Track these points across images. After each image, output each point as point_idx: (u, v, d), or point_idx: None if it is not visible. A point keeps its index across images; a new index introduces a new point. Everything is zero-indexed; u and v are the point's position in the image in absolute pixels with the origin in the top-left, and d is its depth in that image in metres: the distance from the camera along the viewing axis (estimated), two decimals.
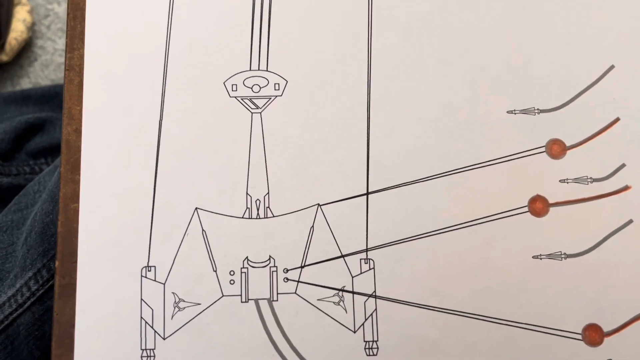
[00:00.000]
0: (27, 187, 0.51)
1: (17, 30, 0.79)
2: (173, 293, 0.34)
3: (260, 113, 0.36)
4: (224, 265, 0.34)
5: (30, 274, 0.44)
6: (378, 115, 0.36)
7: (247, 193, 0.35)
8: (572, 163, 0.36)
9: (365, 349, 0.34)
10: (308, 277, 0.34)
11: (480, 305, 0.34)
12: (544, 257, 0.35)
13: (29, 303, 0.44)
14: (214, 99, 0.36)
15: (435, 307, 0.34)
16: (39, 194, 0.49)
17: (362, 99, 0.36)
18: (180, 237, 0.34)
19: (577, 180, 0.35)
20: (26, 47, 0.83)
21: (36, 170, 0.59)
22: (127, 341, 0.33)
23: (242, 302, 0.34)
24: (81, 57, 0.36)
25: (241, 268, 0.34)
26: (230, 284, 0.34)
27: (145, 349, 0.33)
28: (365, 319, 0.34)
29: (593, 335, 0.34)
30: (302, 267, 0.34)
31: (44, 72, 0.83)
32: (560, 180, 0.35)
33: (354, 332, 0.34)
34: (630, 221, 0.35)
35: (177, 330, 0.34)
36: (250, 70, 0.36)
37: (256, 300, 0.34)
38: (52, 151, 0.61)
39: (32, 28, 0.82)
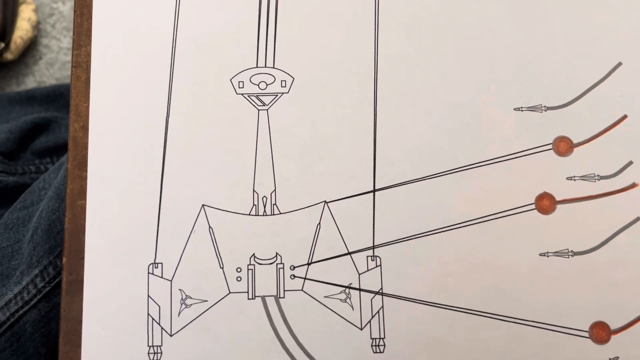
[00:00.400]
0: (32, 185, 0.51)
1: (22, 28, 0.79)
2: (180, 290, 0.34)
3: (267, 110, 0.36)
4: (231, 262, 0.34)
5: (36, 271, 0.44)
6: (384, 113, 0.36)
7: (253, 190, 0.35)
8: (579, 160, 0.36)
9: (372, 346, 0.34)
10: (315, 274, 0.34)
11: (487, 303, 0.34)
12: (551, 254, 0.35)
13: (35, 300, 0.44)
14: (221, 96, 0.36)
15: (442, 305, 0.34)
16: (44, 192, 0.49)
17: (369, 96, 0.36)
18: (187, 234, 0.34)
19: (584, 177, 0.35)
20: (31, 46, 0.83)
21: (42, 169, 0.59)
22: (134, 337, 0.33)
23: (248, 299, 0.34)
24: (88, 54, 0.36)
25: (248, 265, 0.34)
26: (237, 281, 0.34)
27: (152, 346, 0.33)
28: (372, 316, 0.34)
29: (600, 332, 0.34)
30: (308, 264, 0.34)
31: (49, 70, 0.83)
32: (567, 178, 0.35)
33: (361, 329, 0.34)
34: (638, 218, 0.35)
35: (184, 327, 0.34)
36: (257, 67, 0.36)
37: (263, 297, 0.34)
38: (58, 150, 0.61)
39: (37, 27, 0.82)
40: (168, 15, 0.36)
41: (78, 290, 0.34)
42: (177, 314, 0.34)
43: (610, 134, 0.36)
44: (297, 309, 0.34)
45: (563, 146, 0.36)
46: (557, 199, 0.35)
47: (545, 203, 0.35)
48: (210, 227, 0.34)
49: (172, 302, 0.34)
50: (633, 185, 0.35)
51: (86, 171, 0.35)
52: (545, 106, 0.36)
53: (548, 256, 0.35)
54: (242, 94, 0.36)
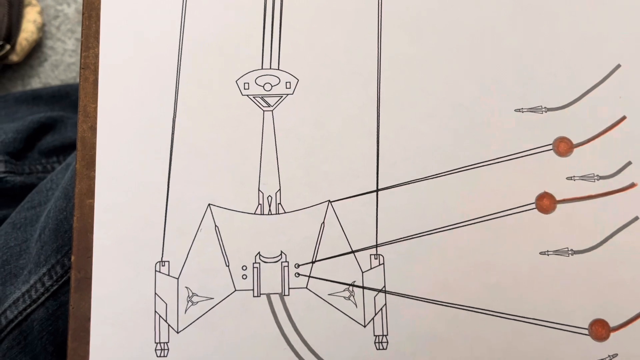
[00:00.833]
0: (39, 185, 0.52)
1: (28, 30, 0.80)
2: (186, 287, 0.34)
3: (272, 111, 0.36)
4: (237, 260, 0.35)
5: (44, 269, 0.45)
6: (388, 114, 0.36)
7: (259, 190, 0.35)
8: (579, 161, 0.36)
9: (375, 343, 0.34)
10: (319, 272, 0.35)
11: (488, 301, 0.35)
12: (551, 253, 0.35)
13: (43, 298, 0.44)
14: (227, 97, 0.36)
15: (444, 302, 0.35)
16: (51, 192, 0.50)
17: (372, 97, 0.37)
18: (194, 233, 0.35)
19: (583, 177, 0.36)
20: (36, 48, 0.84)
21: (48, 168, 0.60)
22: (141, 334, 0.34)
23: (254, 296, 0.35)
24: (96, 56, 0.37)
25: (253, 263, 0.35)
26: (243, 278, 0.35)
27: (159, 343, 0.34)
28: (375, 314, 0.35)
29: (600, 330, 0.35)
30: (313, 262, 0.35)
31: (53, 72, 0.84)
32: (567, 178, 0.36)
33: (364, 326, 0.35)
34: (636, 218, 0.36)
35: (191, 324, 0.34)
36: (262, 69, 0.37)
37: (268, 295, 0.35)
38: (64, 150, 0.61)
39: (42, 29, 0.83)
40: (175, 18, 0.37)
41: (86, 288, 0.34)
42: (184, 311, 0.34)
43: (610, 134, 0.36)
44: (301, 306, 0.34)
45: (563, 146, 0.36)
46: (557, 198, 0.36)
47: (546, 202, 0.36)
48: (216, 225, 0.35)
49: (179, 300, 0.34)
50: (632, 185, 0.36)
51: (94, 171, 0.35)
52: (545, 107, 0.37)
53: (548, 255, 0.35)
54: (247, 95, 0.36)
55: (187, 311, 0.34)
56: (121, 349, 0.34)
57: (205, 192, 0.35)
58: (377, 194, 0.36)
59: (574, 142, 0.36)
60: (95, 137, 0.36)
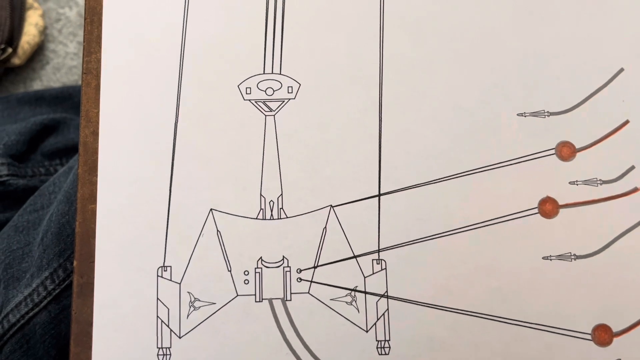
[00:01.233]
0: (42, 188, 0.52)
1: (30, 34, 0.80)
2: (188, 292, 0.34)
3: (274, 116, 0.36)
4: (239, 265, 0.35)
5: (46, 273, 0.45)
6: (390, 118, 0.36)
7: (261, 194, 0.35)
8: (582, 165, 0.36)
9: (377, 348, 0.34)
10: (321, 277, 0.35)
11: (490, 305, 0.35)
12: (554, 258, 0.35)
13: (45, 302, 0.45)
14: (229, 101, 0.36)
15: (447, 307, 0.35)
16: (54, 195, 0.50)
17: (374, 101, 0.37)
18: (196, 238, 0.35)
19: (586, 182, 0.36)
20: (38, 51, 0.84)
21: (51, 171, 0.60)
22: (143, 339, 0.34)
23: (256, 301, 0.35)
24: (98, 61, 0.37)
25: (255, 268, 0.35)
26: (245, 283, 0.35)
27: (162, 347, 0.34)
28: (377, 319, 0.35)
29: (602, 335, 0.34)
30: (315, 267, 0.35)
31: (55, 75, 0.84)
32: (570, 182, 0.36)
33: (366, 331, 0.34)
34: (639, 223, 0.36)
35: (193, 329, 0.34)
36: (264, 73, 0.37)
37: (270, 300, 0.35)
38: (67, 152, 0.62)
39: (44, 32, 0.83)
40: (176, 23, 0.37)
41: (89, 293, 0.34)
42: (186, 316, 0.34)
43: (613, 139, 0.36)
44: (303, 311, 0.34)
45: (566, 151, 0.36)
46: (560, 203, 0.36)
47: (548, 207, 0.36)
48: (218, 230, 0.35)
49: (181, 305, 0.34)
50: (635, 190, 0.36)
51: (96, 176, 0.35)
52: (548, 111, 0.36)
53: (551, 259, 0.35)
54: (249, 100, 0.36)
55: (189, 316, 0.34)
56: (123, 354, 0.34)
57: (207, 197, 0.35)
58: (379, 199, 0.36)
59: (577, 146, 0.36)
60: (97, 142, 0.36)
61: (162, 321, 0.34)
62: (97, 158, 0.36)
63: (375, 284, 0.35)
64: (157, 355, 0.34)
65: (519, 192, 0.36)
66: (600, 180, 0.36)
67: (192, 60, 0.37)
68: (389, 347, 0.34)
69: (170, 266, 0.35)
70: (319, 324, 0.34)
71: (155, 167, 0.36)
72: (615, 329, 0.35)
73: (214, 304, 0.34)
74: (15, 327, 0.45)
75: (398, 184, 0.36)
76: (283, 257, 0.35)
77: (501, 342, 0.34)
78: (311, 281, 0.35)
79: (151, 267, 0.35)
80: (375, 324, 0.35)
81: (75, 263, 0.35)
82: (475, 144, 0.36)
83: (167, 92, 0.36)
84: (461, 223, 0.35)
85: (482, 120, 0.36)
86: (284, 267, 0.35)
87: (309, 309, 0.34)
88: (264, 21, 0.37)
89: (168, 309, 0.34)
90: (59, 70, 0.84)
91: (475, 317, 0.35)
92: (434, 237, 0.35)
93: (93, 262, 0.35)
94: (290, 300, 0.35)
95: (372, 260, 0.35)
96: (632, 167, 0.36)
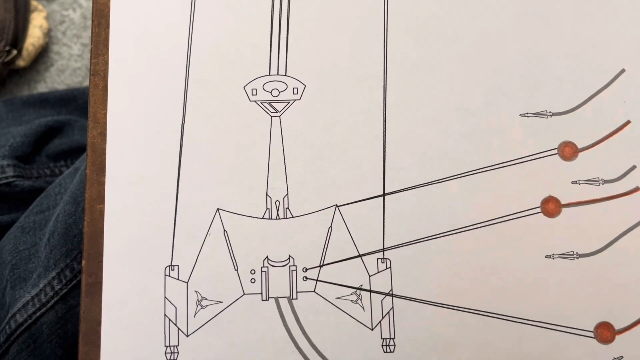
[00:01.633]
0: (48, 189, 0.52)
1: (34, 36, 0.81)
2: (196, 291, 0.35)
3: (280, 117, 0.37)
4: (245, 264, 0.35)
5: (53, 273, 0.45)
6: (394, 119, 0.37)
7: (267, 194, 0.36)
8: (584, 165, 0.36)
9: (382, 346, 0.35)
10: (326, 276, 0.35)
11: (494, 304, 0.35)
12: (557, 256, 0.36)
13: (52, 302, 0.45)
14: (235, 102, 0.37)
15: (451, 306, 0.35)
16: (60, 196, 0.50)
17: (379, 102, 0.37)
18: (203, 237, 0.35)
19: (588, 181, 0.36)
20: (42, 53, 0.85)
21: (56, 172, 0.60)
22: (151, 338, 0.34)
23: (262, 300, 0.35)
24: (105, 63, 0.37)
25: (262, 267, 0.35)
26: (251, 282, 0.35)
27: (169, 346, 0.34)
28: (383, 317, 0.35)
29: (605, 333, 0.35)
30: (320, 266, 0.35)
31: (60, 77, 0.85)
32: (572, 182, 0.36)
33: (372, 329, 0.35)
34: None
35: (200, 327, 0.35)
36: (269, 75, 0.37)
37: (276, 299, 0.35)
38: (72, 154, 0.62)
39: (48, 34, 0.83)
40: (183, 25, 0.38)
41: (97, 292, 0.35)
42: (193, 314, 0.35)
43: (614, 139, 0.37)
44: (309, 310, 0.35)
45: (568, 151, 0.37)
46: (563, 202, 0.36)
47: (551, 206, 0.36)
48: (224, 230, 0.35)
49: (188, 304, 0.35)
50: (636, 189, 0.36)
51: (104, 176, 0.36)
52: (550, 112, 0.37)
53: (554, 258, 0.36)
54: (255, 101, 0.37)
55: (196, 315, 0.35)
56: (131, 352, 0.34)
57: (214, 196, 0.36)
58: (383, 199, 0.36)
59: (579, 146, 0.37)
60: (105, 143, 0.36)
61: (169, 320, 0.35)
62: (104, 159, 0.36)
63: (380, 283, 0.35)
64: (165, 353, 0.34)
65: (521, 192, 0.36)
66: (602, 179, 0.36)
67: (199, 62, 0.37)
68: (394, 345, 0.35)
69: (178, 265, 0.35)
70: (325, 322, 0.35)
71: (162, 168, 0.36)
72: (617, 327, 0.35)
73: (221, 302, 0.35)
74: (23, 327, 0.45)
75: (402, 184, 0.36)
76: (289, 256, 0.35)
77: (505, 340, 0.35)
78: (317, 280, 0.35)
79: (159, 266, 0.35)
80: (380, 322, 0.35)
81: (83, 262, 0.35)
82: (478, 144, 0.37)
83: (173, 94, 0.37)
84: (465, 222, 0.36)
85: (485, 120, 0.37)
86: (290, 266, 0.35)
87: (314, 308, 0.35)
88: (269, 23, 0.38)
89: (175, 308, 0.35)
90: (63, 72, 0.85)
91: (479, 316, 0.35)
92: (438, 236, 0.36)
93: (101, 261, 0.35)
94: (296, 299, 0.35)
95: (377, 259, 0.35)
96: (634, 167, 0.36)
